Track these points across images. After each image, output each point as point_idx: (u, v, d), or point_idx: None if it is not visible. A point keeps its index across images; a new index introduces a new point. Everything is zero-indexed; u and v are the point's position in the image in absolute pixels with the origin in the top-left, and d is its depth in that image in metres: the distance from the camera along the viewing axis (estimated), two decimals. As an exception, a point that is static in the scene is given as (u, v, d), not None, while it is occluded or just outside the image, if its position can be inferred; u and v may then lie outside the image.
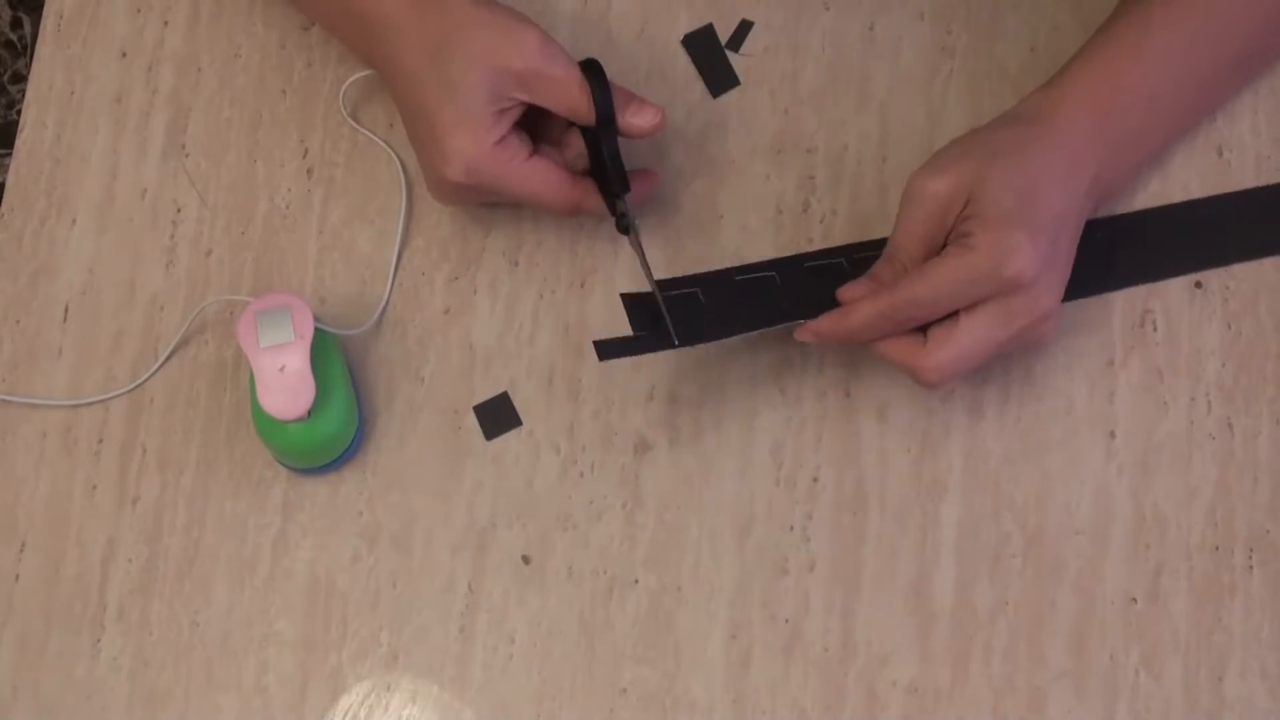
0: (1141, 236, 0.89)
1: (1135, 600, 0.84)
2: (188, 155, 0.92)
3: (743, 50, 0.94)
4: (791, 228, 0.90)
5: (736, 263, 0.88)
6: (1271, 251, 0.89)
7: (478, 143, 0.81)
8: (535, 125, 0.86)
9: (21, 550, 0.86)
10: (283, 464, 0.86)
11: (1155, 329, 0.88)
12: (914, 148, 0.91)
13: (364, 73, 0.90)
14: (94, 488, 0.86)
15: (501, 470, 0.87)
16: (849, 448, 0.87)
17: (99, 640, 0.84)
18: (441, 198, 0.86)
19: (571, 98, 0.82)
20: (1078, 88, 0.84)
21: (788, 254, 0.89)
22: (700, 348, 0.87)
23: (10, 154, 0.94)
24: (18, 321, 0.89)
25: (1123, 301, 0.89)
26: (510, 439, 0.87)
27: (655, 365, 0.88)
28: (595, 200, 0.85)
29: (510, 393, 0.88)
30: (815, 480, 0.86)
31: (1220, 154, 0.91)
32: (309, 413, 0.80)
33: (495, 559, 0.85)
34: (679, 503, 0.86)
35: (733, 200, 0.91)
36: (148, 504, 0.86)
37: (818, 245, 0.89)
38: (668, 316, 0.82)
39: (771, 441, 0.87)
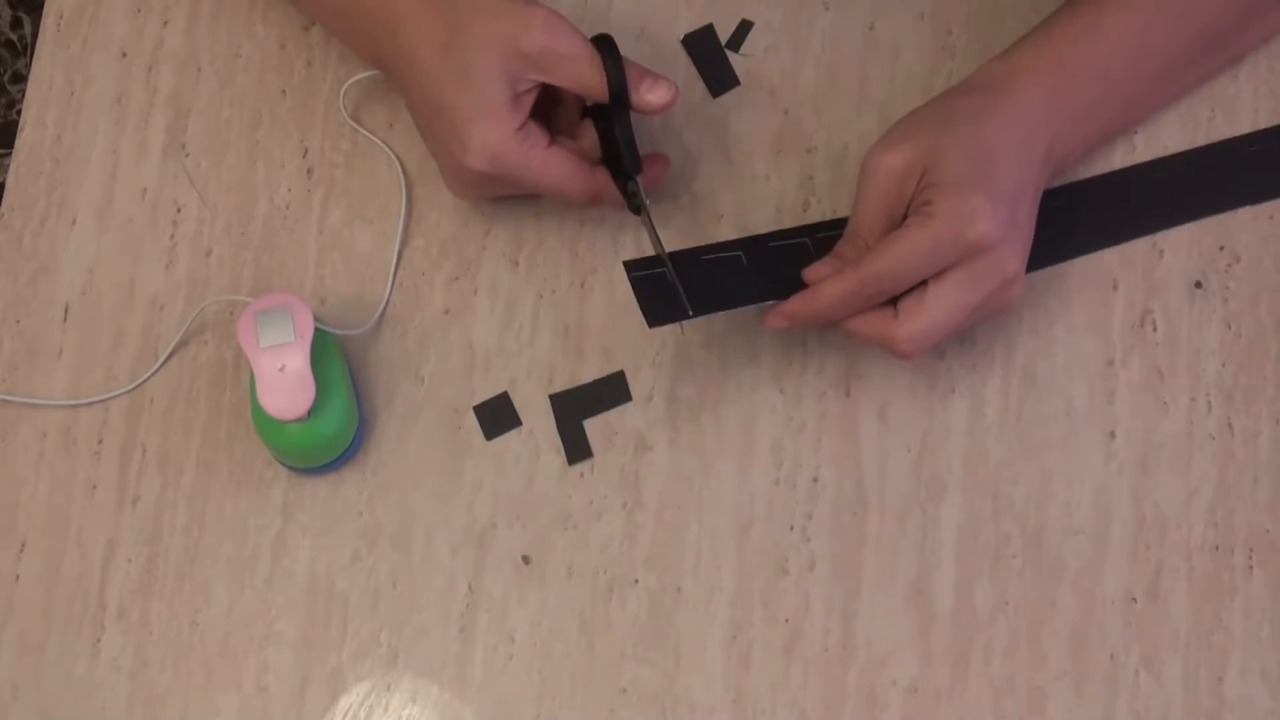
0: (1103, 199, 0.89)
1: (1135, 600, 0.84)
2: (188, 155, 0.92)
3: (743, 50, 0.94)
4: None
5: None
6: (1236, 205, 0.89)
7: (500, 131, 0.81)
8: (548, 117, 0.86)
9: (21, 550, 0.86)
10: (283, 464, 0.86)
11: (1155, 329, 0.88)
12: (914, 148, 0.91)
13: (365, 74, 0.90)
14: (94, 488, 0.86)
15: (501, 470, 0.87)
16: (849, 448, 0.87)
17: (99, 640, 0.84)
18: (460, 190, 0.86)
19: (584, 74, 0.81)
20: (1032, 59, 0.84)
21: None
22: (700, 347, 0.87)
23: (10, 154, 0.94)
24: (18, 321, 0.89)
25: (1123, 301, 0.89)
26: (510, 439, 0.87)
27: (655, 366, 0.88)
28: (613, 189, 0.85)
29: (510, 393, 0.88)
30: (815, 480, 0.86)
31: (1220, 154, 0.91)
32: (309, 413, 0.80)
33: (495, 559, 0.85)
34: (679, 503, 0.86)
35: (733, 200, 0.91)
36: (148, 504, 0.86)
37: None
38: (682, 291, 0.82)
39: (771, 441, 0.87)
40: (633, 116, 0.84)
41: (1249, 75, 0.92)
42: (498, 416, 0.87)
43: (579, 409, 0.87)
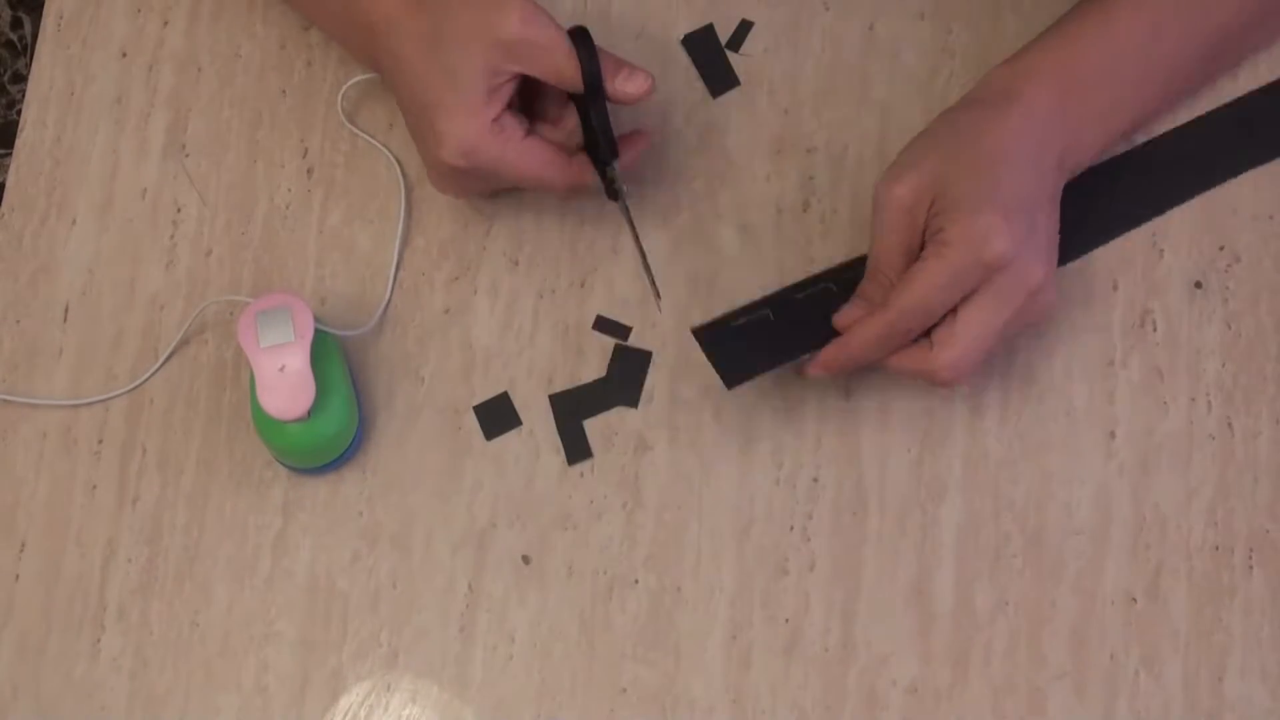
0: (1138, 173, 0.89)
1: (1135, 600, 0.84)
2: (188, 155, 0.92)
3: (743, 50, 0.94)
4: (791, 228, 0.90)
5: (736, 265, 0.89)
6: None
7: (473, 124, 0.81)
8: (530, 105, 0.86)
9: (21, 550, 0.86)
10: (283, 464, 0.86)
11: (1155, 329, 0.88)
12: (914, 148, 0.91)
13: (362, 76, 0.90)
14: (94, 488, 0.86)
15: (501, 470, 0.87)
16: (849, 448, 0.87)
17: (99, 640, 0.84)
18: (442, 186, 0.86)
19: (559, 64, 0.81)
20: (1040, 64, 0.83)
21: (787, 255, 0.89)
22: (700, 347, 0.87)
23: (10, 154, 0.94)
24: (18, 321, 0.89)
25: (1123, 301, 0.89)
26: (510, 439, 0.87)
27: (655, 366, 0.88)
28: (592, 177, 0.85)
29: (510, 393, 0.88)
30: (815, 480, 0.86)
31: (1220, 154, 0.91)
32: (309, 413, 0.80)
33: (495, 559, 0.85)
34: (679, 503, 0.86)
35: (733, 200, 0.91)
36: (148, 504, 0.86)
37: (816, 244, 0.89)
38: (649, 278, 0.83)
39: (771, 442, 0.87)
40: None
41: (1249, 75, 0.92)
42: (498, 416, 0.87)
43: (579, 409, 0.87)
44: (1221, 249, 0.89)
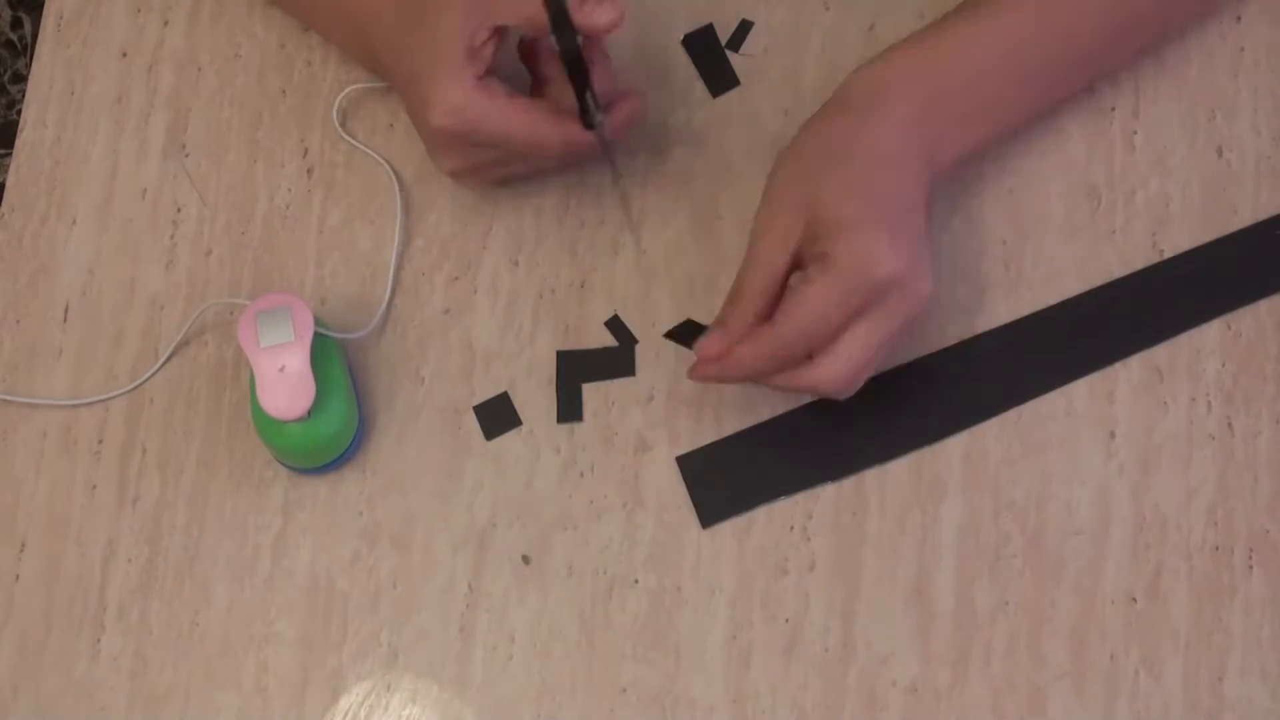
0: (1125, 304, 0.89)
1: (1135, 600, 0.84)
2: (188, 155, 0.92)
3: (743, 50, 0.94)
4: (791, 228, 0.90)
5: (736, 265, 0.89)
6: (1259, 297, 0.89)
7: (458, 83, 0.80)
8: (532, 91, 0.86)
9: (21, 550, 0.86)
10: (283, 464, 0.86)
11: (1155, 329, 0.88)
12: (914, 148, 0.91)
13: (356, 86, 0.90)
14: (94, 488, 0.86)
15: (501, 470, 0.87)
16: (849, 448, 0.87)
17: (99, 640, 0.84)
18: (441, 160, 0.85)
19: (526, 6, 0.80)
20: (902, 67, 0.82)
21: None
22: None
23: (10, 154, 0.94)
24: (18, 321, 0.89)
25: (1123, 301, 0.89)
26: (510, 439, 0.87)
27: (655, 366, 0.88)
28: (588, 137, 0.83)
29: (510, 393, 0.88)
30: (815, 480, 0.86)
31: (1220, 154, 0.91)
32: (309, 413, 0.80)
33: (495, 559, 0.85)
34: (679, 503, 0.86)
35: (733, 200, 0.91)
36: (148, 504, 0.86)
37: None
38: (631, 219, 0.82)
39: (771, 441, 0.87)
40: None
41: (1248, 75, 0.92)
42: (498, 416, 0.87)
43: (582, 371, 0.87)
44: (1221, 249, 0.90)
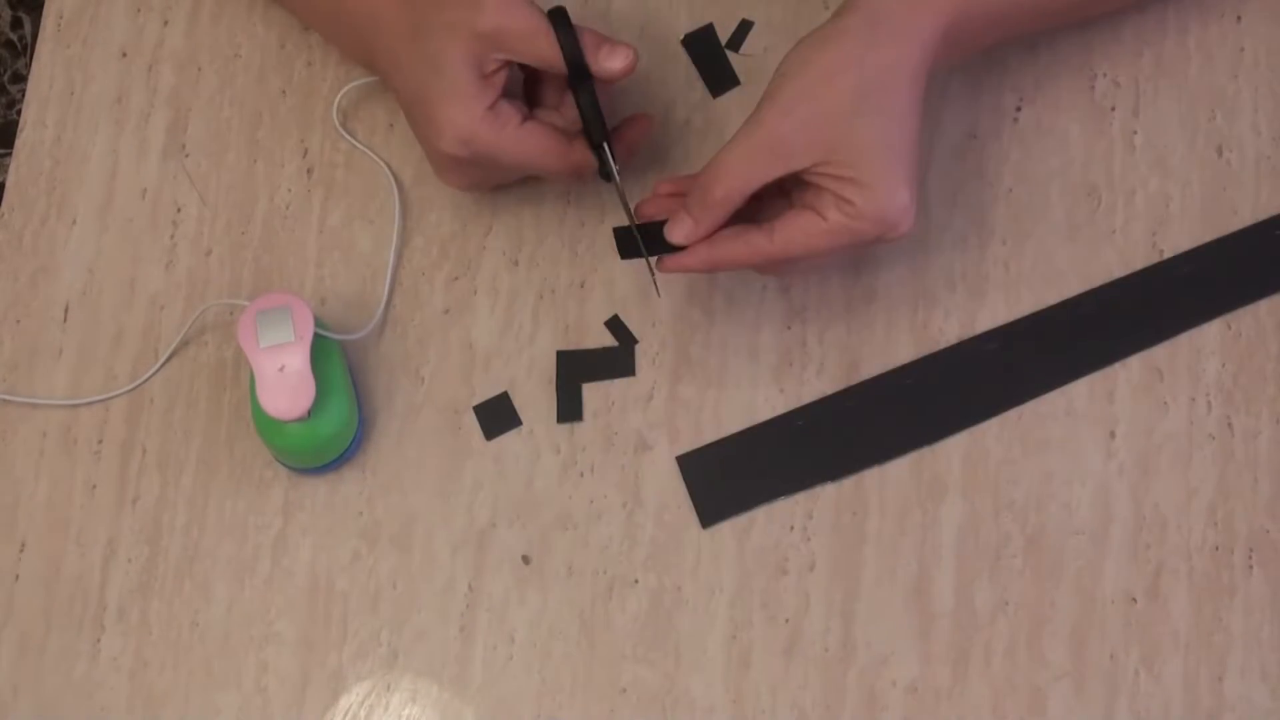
0: (1128, 304, 0.89)
1: (1135, 600, 0.84)
2: (188, 155, 0.92)
3: (743, 50, 0.94)
4: (791, 228, 0.90)
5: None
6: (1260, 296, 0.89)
7: (468, 112, 0.81)
8: (532, 93, 0.86)
9: (21, 550, 0.86)
10: (283, 464, 0.86)
11: (1155, 329, 0.88)
12: (914, 148, 0.91)
13: (356, 83, 0.90)
14: (94, 488, 0.86)
15: (501, 470, 0.87)
16: (849, 448, 0.87)
17: (99, 640, 0.84)
18: (446, 177, 0.86)
19: (540, 48, 0.81)
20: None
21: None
22: (700, 346, 0.87)
23: (10, 154, 0.94)
24: (18, 321, 0.89)
25: (1123, 301, 0.89)
26: (510, 439, 0.87)
27: (655, 366, 0.88)
28: (592, 160, 0.84)
29: (510, 393, 0.88)
30: (815, 480, 0.86)
31: (1220, 153, 0.91)
32: (309, 413, 0.80)
33: (495, 559, 0.85)
34: (679, 503, 0.86)
35: (733, 200, 0.90)
36: (148, 504, 0.86)
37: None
38: (646, 256, 0.82)
39: (771, 441, 0.87)
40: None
41: (1248, 75, 0.92)
42: (498, 416, 0.87)
43: (582, 371, 0.87)
44: (1221, 249, 0.90)
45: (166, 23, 0.94)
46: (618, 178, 0.83)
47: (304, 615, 0.85)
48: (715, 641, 0.84)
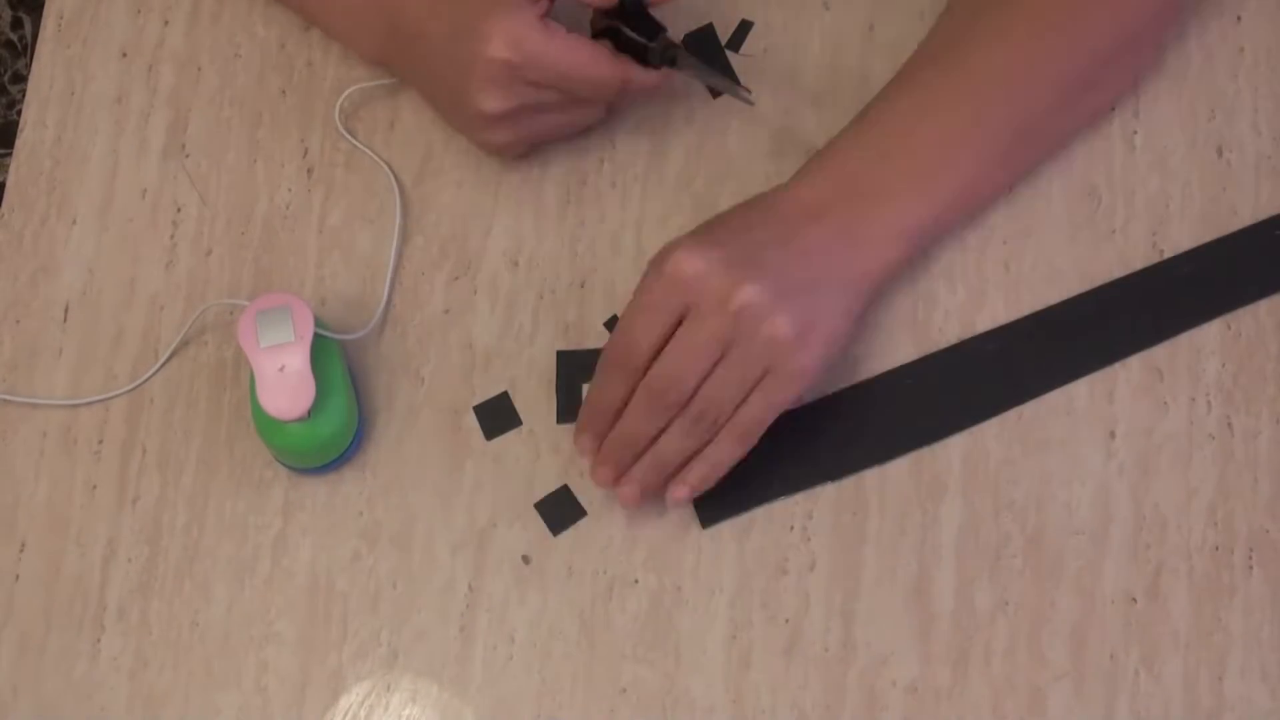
0: (1129, 304, 0.89)
1: (1135, 600, 0.84)
2: (188, 155, 0.92)
3: (743, 50, 0.94)
4: (791, 228, 0.90)
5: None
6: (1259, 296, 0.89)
7: (520, 15, 0.81)
8: None
9: (21, 550, 0.86)
10: (283, 464, 0.86)
11: (1155, 329, 0.88)
12: (914, 148, 0.91)
13: (360, 85, 0.90)
14: (94, 488, 0.86)
15: (501, 470, 0.87)
16: (849, 448, 0.87)
17: (99, 640, 0.84)
18: (488, 99, 0.83)
19: None
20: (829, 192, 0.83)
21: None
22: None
23: (10, 154, 0.94)
24: (18, 321, 0.89)
25: (1123, 301, 0.89)
26: (510, 439, 0.87)
27: (655, 365, 0.88)
28: (641, 74, 0.85)
29: (510, 393, 0.88)
30: (815, 480, 0.86)
31: (1220, 154, 0.91)
32: (309, 413, 0.80)
33: (495, 559, 0.85)
34: (679, 503, 0.86)
35: (733, 201, 0.90)
36: (148, 504, 0.86)
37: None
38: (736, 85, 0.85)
39: (771, 441, 0.87)
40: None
41: (1249, 75, 0.92)
42: (498, 416, 0.87)
43: (582, 372, 0.87)
44: (1221, 249, 0.90)
45: (166, 23, 0.94)
46: (682, 55, 0.84)
47: (304, 615, 0.85)
48: (715, 641, 0.84)
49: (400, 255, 0.90)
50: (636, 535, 0.85)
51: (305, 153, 0.92)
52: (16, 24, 1.76)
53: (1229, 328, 0.88)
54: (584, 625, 0.84)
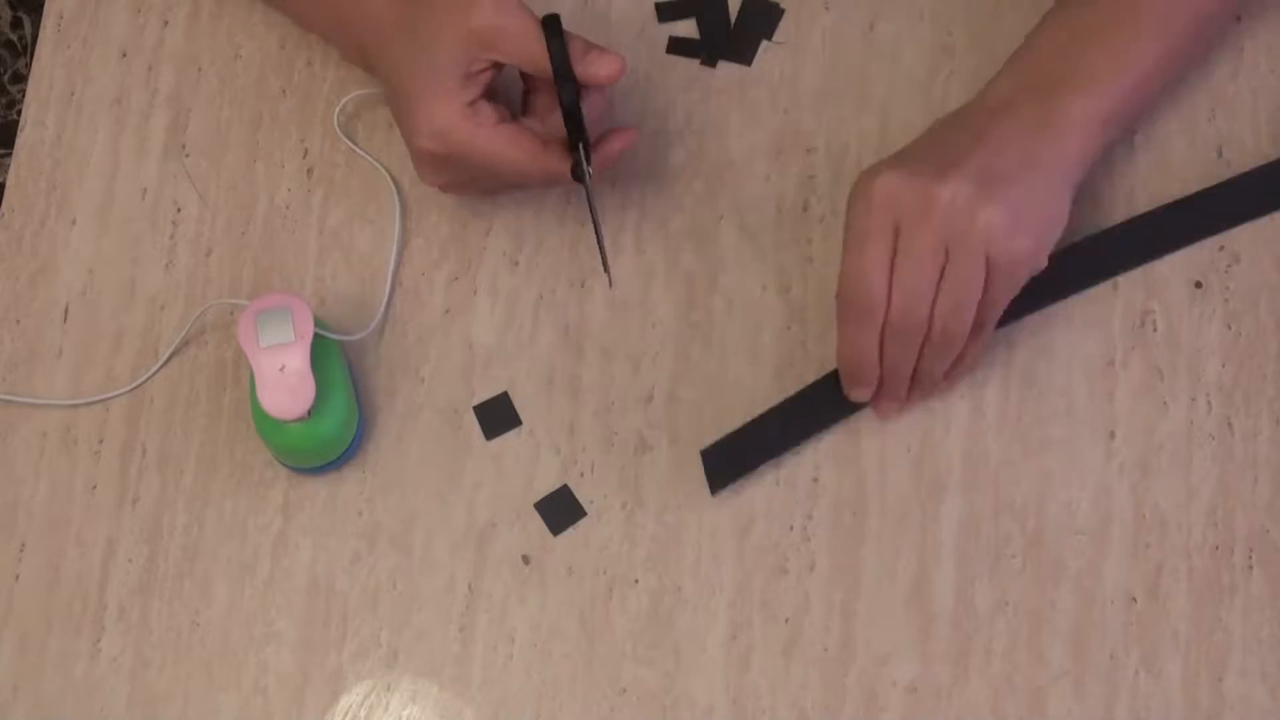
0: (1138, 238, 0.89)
1: (1135, 600, 0.84)
2: (188, 155, 0.92)
3: (776, 38, 0.93)
4: (791, 228, 0.90)
5: (736, 265, 0.89)
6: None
7: (446, 106, 0.81)
8: (527, 104, 0.86)
9: (21, 550, 0.86)
10: (283, 464, 0.86)
11: (1155, 329, 0.88)
12: (914, 148, 0.91)
13: (358, 92, 0.90)
14: (94, 488, 0.86)
15: (501, 470, 0.87)
16: (849, 447, 0.87)
17: (99, 640, 0.84)
18: (426, 177, 0.86)
19: (529, 50, 0.81)
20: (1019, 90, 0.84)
21: (787, 255, 0.89)
22: (700, 346, 0.87)
23: (10, 154, 0.94)
24: (18, 321, 0.89)
25: (1123, 301, 0.89)
26: (510, 439, 0.87)
27: (655, 366, 0.88)
28: (565, 165, 0.84)
29: (510, 393, 0.88)
30: (815, 480, 0.86)
31: (1220, 154, 0.91)
32: (309, 413, 0.80)
33: (495, 559, 0.85)
34: (679, 503, 0.86)
35: (733, 200, 0.91)
36: (148, 504, 0.86)
37: (817, 244, 0.90)
38: (605, 261, 0.84)
39: (771, 441, 0.87)
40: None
41: (1249, 75, 0.92)
42: (498, 416, 0.87)
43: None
44: (1221, 249, 0.89)
45: (166, 23, 0.94)
46: (589, 179, 0.83)
47: (304, 615, 0.85)
48: (715, 641, 0.84)
49: (400, 255, 0.90)
50: (636, 535, 0.85)
51: (305, 153, 0.92)
52: (16, 24, 1.76)
53: (1229, 328, 0.88)
54: (584, 625, 0.84)
